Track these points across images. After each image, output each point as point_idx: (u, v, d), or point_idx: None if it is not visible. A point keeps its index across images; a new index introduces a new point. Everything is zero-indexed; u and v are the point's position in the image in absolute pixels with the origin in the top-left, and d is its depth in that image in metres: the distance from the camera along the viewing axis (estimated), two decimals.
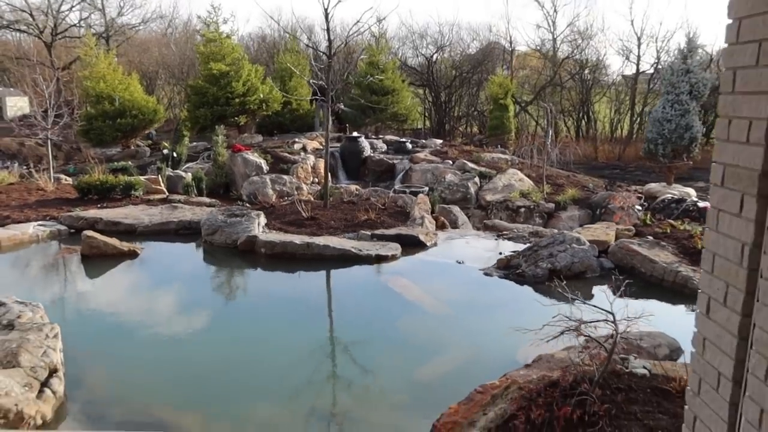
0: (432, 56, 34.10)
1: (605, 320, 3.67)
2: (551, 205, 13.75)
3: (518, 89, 32.84)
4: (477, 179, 15.35)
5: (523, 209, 13.75)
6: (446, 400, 3.97)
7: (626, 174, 22.49)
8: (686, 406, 2.96)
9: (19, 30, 41.59)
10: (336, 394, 4.66)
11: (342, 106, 22.29)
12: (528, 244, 8.00)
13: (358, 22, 10.68)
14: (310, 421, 4.19)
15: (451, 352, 5.24)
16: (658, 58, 28.89)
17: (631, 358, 4.42)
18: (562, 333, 3.76)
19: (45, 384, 4.12)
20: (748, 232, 2.42)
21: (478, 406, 3.82)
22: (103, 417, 4.09)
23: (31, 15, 39.43)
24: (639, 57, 29.77)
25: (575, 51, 32.34)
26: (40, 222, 9.40)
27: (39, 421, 3.85)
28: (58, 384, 4.20)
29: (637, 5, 51.00)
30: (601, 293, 6.46)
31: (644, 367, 4.25)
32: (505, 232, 9.56)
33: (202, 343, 5.48)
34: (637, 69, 29.95)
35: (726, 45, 2.61)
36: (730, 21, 2.55)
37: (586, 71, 31.45)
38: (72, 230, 9.19)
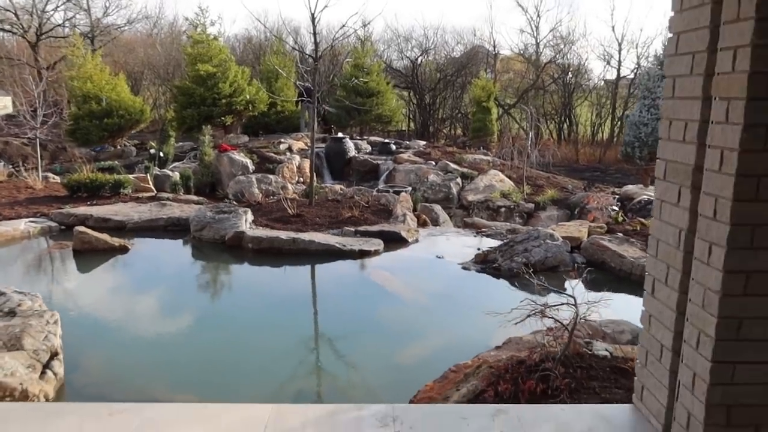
0: (417, 59, 34.51)
1: (567, 303, 4.02)
2: (531, 205, 14.16)
3: (502, 92, 33.37)
4: (459, 180, 15.72)
5: (503, 209, 14.14)
6: (423, 380, 4.31)
7: (606, 176, 23.02)
8: (635, 378, 3.33)
9: (2, 29, 41.36)
10: (319, 378, 4.96)
11: (327, 108, 22.60)
12: (504, 240, 8.36)
13: (343, 26, 10.99)
14: (293, 402, 4.49)
15: (429, 338, 5.58)
16: (638, 63, 29.55)
17: (595, 342, 4.78)
18: (528, 316, 4.11)
19: (47, 366, 4.38)
20: (684, 219, 2.79)
21: (452, 383, 4.16)
22: (100, 396, 4.37)
23: (16, 14, 39.23)
24: (620, 62, 30.44)
25: (558, 55, 32.95)
26: (30, 219, 9.60)
27: (42, 400, 4.12)
28: (58, 366, 4.47)
29: (618, 12, 51.94)
30: (570, 284, 6.83)
31: (606, 350, 4.61)
32: (484, 230, 9.93)
33: (191, 331, 5.77)
34: (618, 74, 30.61)
35: (667, 56, 2.98)
36: (671, 35, 2.92)
37: (569, 75, 32.05)
38: (63, 227, 9.40)
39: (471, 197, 14.92)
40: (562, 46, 32.99)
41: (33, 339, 4.50)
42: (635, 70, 29.53)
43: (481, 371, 4.16)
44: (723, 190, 2.43)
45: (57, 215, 9.71)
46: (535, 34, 34.88)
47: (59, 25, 39.87)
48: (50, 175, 14.48)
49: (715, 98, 2.53)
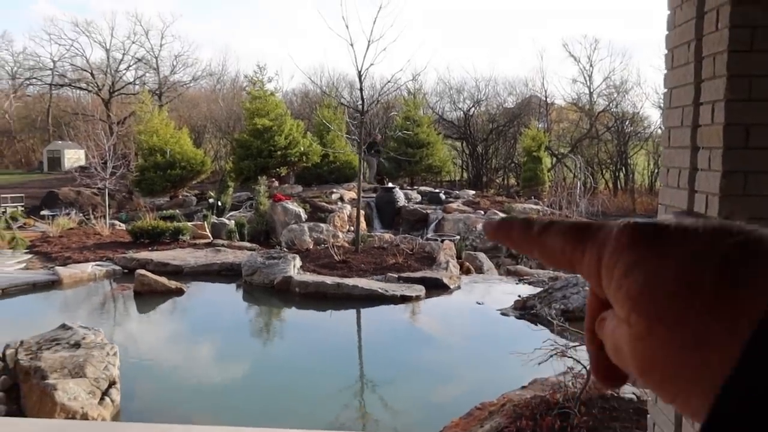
0: (469, 110, 35.12)
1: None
2: None
3: (556, 142, 33.43)
4: None
5: None
6: (452, 416, 4.50)
7: None
8: (648, 415, 3.45)
9: (79, 88, 44.63)
10: (357, 413, 5.20)
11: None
12: (544, 287, 8.47)
13: (388, 82, 11.57)
14: None
15: (462, 379, 5.75)
16: None
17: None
18: (550, 356, 4.28)
19: (105, 393, 4.81)
20: None
21: (476, 420, 4.33)
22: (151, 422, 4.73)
23: (92, 74, 42.39)
24: None
25: (611, 104, 32.91)
26: (97, 263, 10.34)
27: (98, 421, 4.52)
28: (115, 394, 4.89)
29: None
30: None
31: (633, 393, 4.69)
32: (526, 277, 10.03)
33: (239, 370, 6.13)
34: None
35: (663, 110, 3.24)
36: (665, 90, 3.18)
37: (627, 122, 31.88)
38: (125, 270, 10.08)
39: None
40: (615, 95, 33.00)
41: (94, 368, 4.95)
42: None
43: (505, 409, 4.32)
44: None
45: (121, 259, 10.43)
46: (588, 84, 35.06)
47: (130, 83, 42.76)
48: (117, 222, 15.47)
49: (700, 148, 2.77)
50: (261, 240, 15.32)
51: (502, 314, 7.84)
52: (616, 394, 4.59)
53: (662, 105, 3.30)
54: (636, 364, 0.26)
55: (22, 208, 19.28)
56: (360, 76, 10.69)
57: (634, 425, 4.10)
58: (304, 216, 16.58)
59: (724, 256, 0.24)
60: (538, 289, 8.83)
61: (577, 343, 4.38)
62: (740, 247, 0.24)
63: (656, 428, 3.31)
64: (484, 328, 7.49)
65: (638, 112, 32.53)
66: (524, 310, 7.88)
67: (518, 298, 8.27)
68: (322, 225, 15.33)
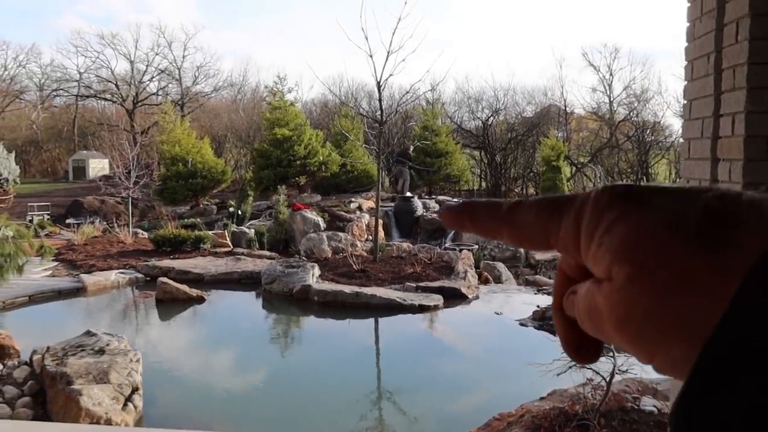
0: (487, 119, 35.08)
1: (605, 356, 4.15)
2: None
3: (575, 151, 33.23)
4: None
5: None
6: (470, 427, 4.50)
7: None
8: (668, 428, 3.42)
9: (104, 98, 45.47)
10: (375, 423, 5.22)
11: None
12: None
13: (407, 92, 11.64)
14: None
15: (480, 389, 5.74)
16: None
17: (644, 398, 4.82)
18: (569, 367, 4.27)
19: (128, 399, 4.89)
20: None
21: (495, 430, 4.33)
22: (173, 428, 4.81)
23: (116, 85, 43.16)
24: None
25: (632, 113, 32.67)
26: (120, 270, 10.51)
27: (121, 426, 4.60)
28: (138, 400, 4.97)
29: None
30: None
31: (654, 406, 4.65)
32: (545, 288, 9.98)
33: (258, 377, 6.19)
34: None
35: (683, 121, 3.24)
36: (685, 102, 3.19)
37: (647, 131, 31.61)
38: (148, 278, 10.22)
39: (539, 256, 14.90)
40: (636, 104, 32.76)
41: (118, 374, 5.04)
42: None
43: (524, 420, 4.31)
44: None
45: (143, 267, 10.59)
46: (608, 93, 34.85)
47: (153, 94, 43.47)
48: (139, 231, 15.70)
49: (720, 159, 2.77)
50: (280, 249, 15.44)
51: (521, 325, 7.82)
52: (636, 407, 4.56)
53: (682, 116, 3.31)
54: (614, 317, 0.24)
55: (48, 217, 19.64)
56: (379, 87, 10.78)
57: None
58: (322, 225, 16.68)
59: (705, 203, 0.24)
60: None
61: None
62: (720, 197, 0.24)
63: None
64: (502, 338, 7.47)
65: (659, 121, 32.27)
66: (543, 320, 7.84)
67: (537, 309, 8.23)
68: (340, 234, 15.40)
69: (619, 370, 4.15)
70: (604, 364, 4.29)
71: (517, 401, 5.08)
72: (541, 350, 7.01)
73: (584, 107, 36.76)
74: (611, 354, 4.15)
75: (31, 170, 42.07)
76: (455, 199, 21.03)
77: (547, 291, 9.73)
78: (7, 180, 18.59)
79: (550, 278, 12.35)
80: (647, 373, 4.72)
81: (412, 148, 21.23)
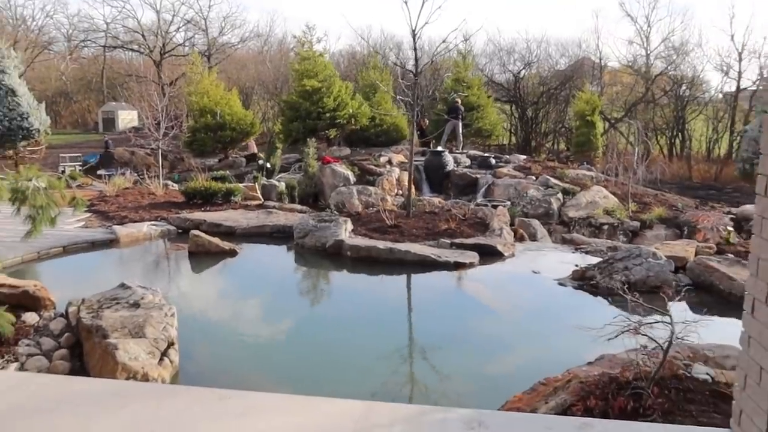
0: (519, 72, 34.11)
1: (662, 322, 3.93)
2: (636, 224, 13.62)
3: (608, 106, 32.24)
4: (560, 195, 15.40)
5: (606, 226, 13.69)
6: (510, 390, 4.35)
7: (722, 195, 21.58)
8: (733, 401, 3.21)
9: (131, 49, 45.34)
10: (408, 381, 5.10)
11: (427, 122, 22.88)
12: (604, 258, 8.15)
13: (443, 41, 11.18)
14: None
15: (519, 351, 5.58)
16: (761, 74, 27.54)
17: (695, 365, 4.60)
18: (621, 332, 4.05)
19: (164, 354, 4.84)
20: None
21: (541, 395, 4.17)
22: (212, 384, 4.74)
23: (143, 36, 42.89)
24: (740, 73, 28.47)
25: (670, 67, 31.42)
26: (152, 222, 10.50)
27: (159, 383, 4.55)
28: (174, 355, 4.92)
29: (738, 19, 48.42)
30: (675, 306, 6.56)
31: (707, 374, 4.43)
32: (582, 246, 9.71)
33: (292, 331, 6.12)
34: (738, 86, 28.64)
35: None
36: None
37: (682, 88, 30.44)
38: (179, 230, 10.21)
39: (572, 213, 14.57)
40: (674, 57, 31.46)
41: (153, 329, 4.99)
42: (758, 82, 27.53)
43: (571, 386, 4.14)
44: None
45: (175, 219, 10.57)
46: (645, 45, 33.51)
47: (180, 45, 43.18)
48: (170, 182, 15.70)
49: None
50: (310, 202, 15.35)
51: (560, 284, 7.60)
52: (689, 374, 4.35)
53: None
54: None
55: (80, 168, 19.79)
56: (414, 36, 10.35)
57: (712, 409, 3.87)
58: (352, 179, 16.50)
59: None
60: (596, 259, 8.53)
61: (652, 320, 4.13)
62: None
63: (743, 416, 3.08)
64: (540, 298, 7.27)
65: (698, 75, 31.01)
66: (583, 280, 7.61)
67: (576, 268, 7.99)
68: (370, 188, 15.21)
69: (676, 337, 3.92)
70: (658, 331, 4.07)
71: (560, 364, 4.90)
72: (582, 311, 6.82)
73: (619, 60, 35.47)
74: (669, 321, 3.92)
75: (61, 121, 42.48)
76: (486, 154, 20.61)
77: (585, 250, 9.46)
78: (38, 131, 18.66)
79: (586, 236, 12.04)
80: (702, 339, 4.48)
81: (460, 101, 20.71)
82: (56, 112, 41.28)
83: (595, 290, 7.29)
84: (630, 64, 34.17)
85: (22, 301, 5.67)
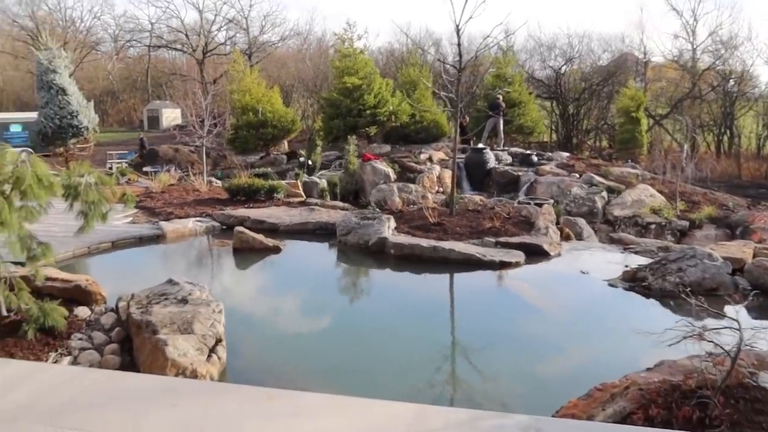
0: (560, 68, 33.49)
1: (729, 328, 3.73)
2: (685, 223, 13.19)
3: (653, 102, 31.39)
4: (604, 193, 15.03)
5: (653, 226, 13.30)
6: (562, 396, 4.20)
7: None
8: None
9: (175, 49, 46.24)
10: (455, 383, 5.00)
11: (467, 119, 22.64)
12: (656, 258, 7.88)
13: (487, 36, 10.99)
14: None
15: (570, 354, 5.41)
16: None
17: (762, 373, 4.37)
18: (684, 338, 3.86)
19: (212, 350, 4.84)
20: None
21: (597, 402, 4.01)
22: (259, 382, 4.72)
23: (187, 35, 43.65)
24: None
25: (717, 62, 30.39)
26: (197, 218, 10.62)
27: (208, 380, 4.56)
28: (221, 351, 4.92)
29: None
30: (732, 308, 6.28)
31: None
32: (631, 246, 9.42)
33: (337, 329, 6.08)
34: None
35: None
36: None
37: (731, 83, 29.42)
38: (224, 227, 10.30)
39: (617, 212, 14.21)
40: (722, 52, 30.41)
41: (201, 325, 5.00)
42: None
43: (630, 392, 3.97)
44: None
45: (219, 216, 10.67)
46: (691, 39, 32.52)
47: (222, 44, 43.83)
48: (213, 179, 15.90)
49: None
50: (350, 199, 15.35)
51: (610, 285, 7.37)
52: (755, 383, 4.13)
53: None
54: None
55: (127, 165, 20.23)
56: (458, 31, 10.20)
57: None
58: (392, 176, 16.43)
59: None
60: (647, 260, 8.25)
61: (718, 325, 3.94)
62: None
63: None
64: (590, 299, 7.07)
65: (748, 70, 29.92)
66: (634, 281, 7.36)
67: (627, 269, 7.75)
68: (411, 185, 15.11)
69: (745, 344, 3.72)
70: (725, 337, 3.87)
71: (614, 369, 4.72)
72: (634, 314, 6.59)
73: (664, 55, 34.47)
74: (737, 327, 3.72)
75: (108, 119, 43.60)
76: (528, 151, 20.27)
77: (635, 250, 9.18)
78: (87, 128, 19.14)
79: (634, 235, 11.70)
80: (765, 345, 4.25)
81: (501, 97, 20.42)
82: (103, 111, 42.38)
83: (647, 292, 7.05)
84: (675, 58, 33.20)
85: (74, 296, 5.77)
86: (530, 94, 24.61)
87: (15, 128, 24.80)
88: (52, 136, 18.71)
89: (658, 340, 4.02)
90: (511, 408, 4.46)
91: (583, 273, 7.90)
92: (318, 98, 31.10)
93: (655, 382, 4.03)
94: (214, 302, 5.48)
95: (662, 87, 33.42)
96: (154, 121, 37.88)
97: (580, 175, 16.61)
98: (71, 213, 5.39)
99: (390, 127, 21.81)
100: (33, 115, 20.90)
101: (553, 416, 3.97)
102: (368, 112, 20.27)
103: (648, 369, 4.36)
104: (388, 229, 9.13)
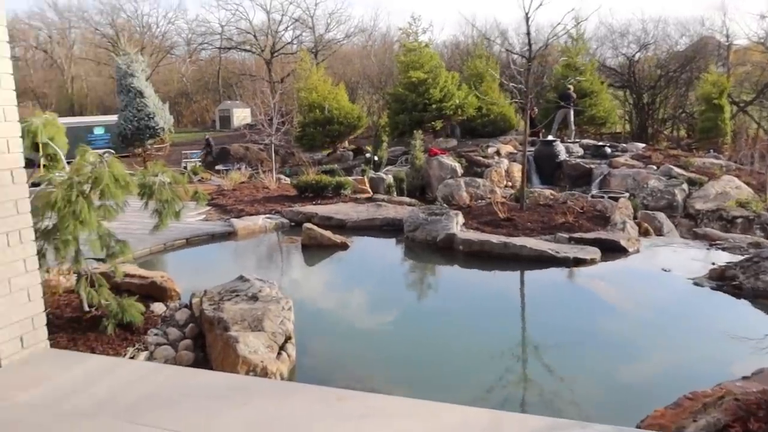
0: (634, 55, 32.07)
1: None
2: None
3: (736, 88, 29.58)
4: (685, 186, 14.25)
5: (739, 220, 12.49)
6: (647, 404, 3.93)
7: None
8: None
9: (244, 50, 47.42)
10: (528, 387, 4.78)
11: (536, 110, 22.03)
12: (747, 255, 7.35)
13: (558, 24, 10.59)
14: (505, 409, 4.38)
15: (653, 359, 5.09)
16: None
17: None
18: None
19: (282, 348, 4.84)
20: None
21: (688, 412, 3.72)
22: (328, 380, 4.68)
23: (255, 36, 44.67)
24: None
25: None
26: (267, 215, 10.79)
27: (278, 378, 4.56)
28: (291, 349, 4.91)
29: None
30: None
31: None
32: (718, 242, 8.85)
33: (406, 327, 5.98)
34: None
35: None
36: None
37: None
38: (292, 223, 10.41)
39: (699, 205, 13.43)
40: None
41: (271, 322, 5.01)
42: None
43: (725, 403, 3.66)
44: None
45: (288, 212, 10.79)
46: None
47: (289, 43, 44.58)
48: (282, 176, 16.15)
49: None
50: (417, 195, 15.23)
51: (695, 284, 6.92)
52: None
53: None
54: None
55: (200, 163, 20.88)
56: (527, 19, 9.87)
57: None
58: (459, 171, 16.20)
59: None
60: (737, 257, 7.72)
61: None
62: None
63: None
64: (673, 299, 6.65)
65: None
66: (722, 280, 6.89)
67: (714, 266, 7.26)
68: (478, 180, 14.84)
69: None
70: None
71: (704, 376, 4.41)
72: (724, 316, 6.16)
73: (749, 37, 32.40)
74: None
75: (183, 120, 45.25)
76: (600, 143, 19.50)
77: (722, 246, 8.61)
78: (163, 129, 19.87)
79: (722, 230, 11.02)
80: None
81: (572, 87, 19.79)
82: (178, 112, 43.99)
83: (737, 292, 6.57)
84: (762, 40, 31.12)
85: (150, 292, 5.92)
86: (602, 83, 23.68)
87: (98, 131, 26.05)
88: (131, 138, 19.54)
89: (757, 346, 3.70)
90: (589, 414, 4.23)
91: (665, 270, 7.47)
92: (383, 94, 31.10)
93: (754, 392, 3.69)
94: (284, 299, 5.49)
95: (747, 71, 31.42)
96: (226, 120, 38.98)
97: (658, 167, 15.83)
98: (147, 211, 5.53)
99: (457, 121, 21.50)
100: (114, 118, 21.89)
101: (638, 426, 3.72)
102: (434, 106, 20.05)
103: (744, 377, 4.01)
104: (457, 225, 8.95)
